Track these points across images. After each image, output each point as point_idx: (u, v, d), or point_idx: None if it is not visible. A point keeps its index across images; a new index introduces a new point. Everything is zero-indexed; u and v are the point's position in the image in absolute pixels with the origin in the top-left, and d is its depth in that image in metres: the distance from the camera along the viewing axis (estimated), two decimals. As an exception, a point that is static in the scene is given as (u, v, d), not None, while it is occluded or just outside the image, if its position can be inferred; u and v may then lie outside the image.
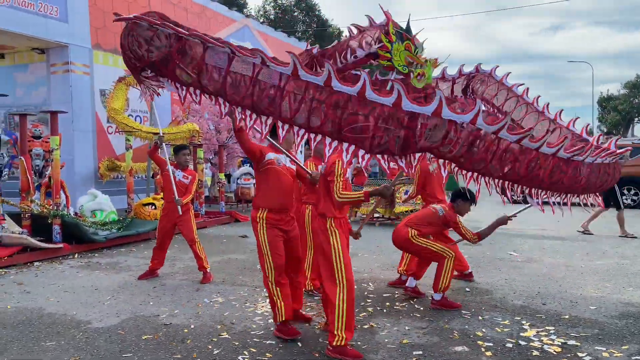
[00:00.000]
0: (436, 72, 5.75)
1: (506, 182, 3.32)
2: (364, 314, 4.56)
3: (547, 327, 4.14)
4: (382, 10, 4.71)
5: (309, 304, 4.89)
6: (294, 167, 4.15)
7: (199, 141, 11.18)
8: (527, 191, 3.41)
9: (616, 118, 64.86)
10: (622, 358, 3.51)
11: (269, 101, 3.11)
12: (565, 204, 3.72)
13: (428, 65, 4.49)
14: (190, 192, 6.08)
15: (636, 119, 65.67)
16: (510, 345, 3.76)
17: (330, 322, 3.61)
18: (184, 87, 3.42)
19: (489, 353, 3.61)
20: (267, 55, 3.09)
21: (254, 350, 3.72)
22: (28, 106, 11.57)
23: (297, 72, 3.01)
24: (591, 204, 4.07)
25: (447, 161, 3.14)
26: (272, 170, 4.02)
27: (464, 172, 3.19)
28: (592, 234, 8.84)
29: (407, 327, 4.18)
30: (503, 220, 4.71)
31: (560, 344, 3.78)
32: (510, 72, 5.33)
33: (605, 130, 70.41)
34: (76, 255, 7.36)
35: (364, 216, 5.92)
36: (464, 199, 4.81)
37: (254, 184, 12.91)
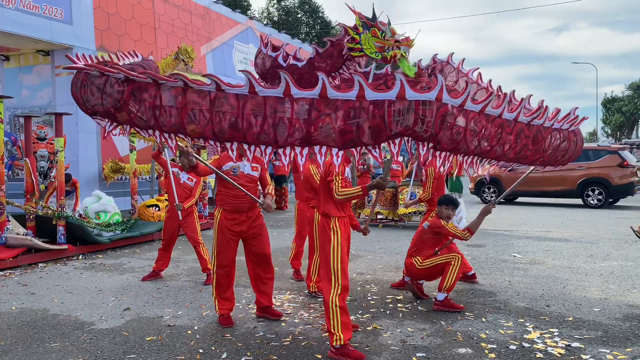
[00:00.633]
0: (428, 51, 5.73)
1: (480, 158, 3.34)
2: (367, 315, 4.56)
3: (550, 329, 4.13)
4: (348, 7, 4.76)
5: (312, 305, 4.89)
6: (254, 173, 4.48)
7: (202, 144, 11.19)
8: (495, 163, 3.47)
9: (620, 119, 64.69)
10: (626, 360, 3.50)
11: (229, 126, 3.03)
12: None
13: (401, 50, 4.53)
14: (194, 196, 6.09)
15: (640, 120, 65.38)
16: (513, 347, 3.76)
17: (327, 322, 3.64)
18: (145, 130, 3.33)
19: (492, 355, 3.61)
20: (221, 80, 3.01)
21: (258, 351, 3.73)
22: (33, 108, 11.65)
23: (254, 89, 2.96)
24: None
25: (429, 146, 3.10)
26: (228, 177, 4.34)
27: (442, 154, 3.17)
28: None
29: (410, 329, 4.18)
30: (487, 210, 4.75)
31: (564, 346, 3.77)
32: (465, 59, 5.28)
33: (609, 132, 70.29)
34: (80, 257, 7.40)
35: (367, 218, 5.94)
36: (446, 204, 4.96)
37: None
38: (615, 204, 14.52)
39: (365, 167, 13.13)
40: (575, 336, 3.98)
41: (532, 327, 4.19)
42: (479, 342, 3.86)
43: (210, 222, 10.53)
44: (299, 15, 41.25)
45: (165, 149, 6.00)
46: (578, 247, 7.87)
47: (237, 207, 4.35)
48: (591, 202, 13.83)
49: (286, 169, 13.35)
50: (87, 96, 3.36)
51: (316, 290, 5.17)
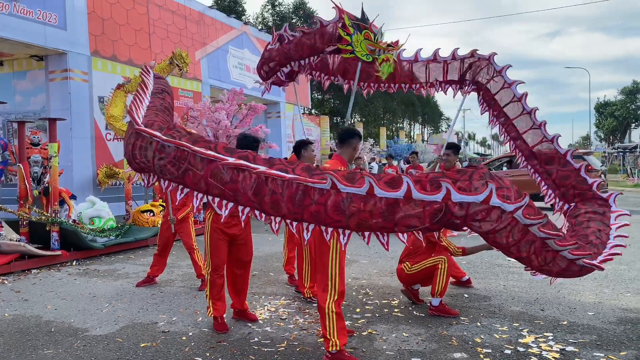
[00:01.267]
0: (426, 54, 5.78)
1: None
2: (363, 320, 4.56)
3: (545, 334, 4.14)
4: (333, 4, 4.78)
5: (307, 311, 4.88)
6: None
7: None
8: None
9: (613, 124, 65.16)
10: (620, 364, 3.51)
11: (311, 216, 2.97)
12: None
13: (390, 52, 4.57)
14: (189, 205, 6.03)
15: (633, 124, 65.93)
16: (508, 351, 3.76)
17: (322, 328, 3.63)
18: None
19: (487, 360, 3.62)
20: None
21: (253, 357, 3.71)
22: (27, 113, 11.60)
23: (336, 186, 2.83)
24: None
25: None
26: None
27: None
28: None
29: (405, 334, 4.18)
30: (489, 247, 4.72)
31: (558, 350, 3.78)
32: (510, 65, 5.38)
33: (602, 136, 70.78)
34: (74, 263, 7.36)
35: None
36: None
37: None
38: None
39: (360, 171, 13.16)
40: (570, 340, 3.99)
41: (527, 332, 4.19)
42: (474, 347, 3.86)
43: (205, 228, 10.51)
44: (294, 21, 41.35)
45: None
46: (572, 251, 7.89)
47: (231, 211, 4.33)
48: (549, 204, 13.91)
49: None
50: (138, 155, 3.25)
51: (311, 295, 5.16)
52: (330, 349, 3.55)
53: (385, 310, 4.89)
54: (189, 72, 11.61)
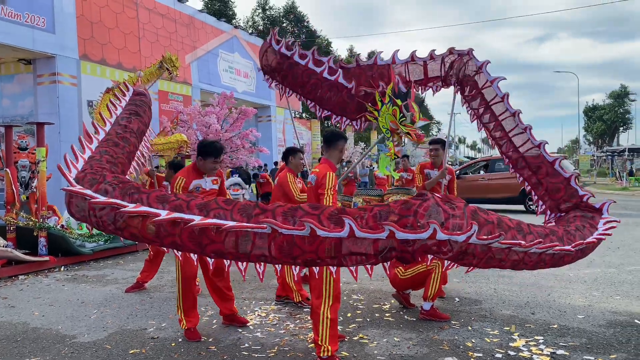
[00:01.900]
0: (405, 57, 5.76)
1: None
2: (354, 325, 4.54)
3: (536, 337, 4.14)
4: (391, 71, 4.80)
5: (297, 316, 4.86)
6: (214, 186, 4.47)
7: (188, 152, 11.13)
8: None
9: (602, 127, 65.76)
10: (610, 367, 3.52)
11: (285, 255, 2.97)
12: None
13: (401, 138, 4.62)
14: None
15: (621, 128, 66.64)
16: (499, 355, 3.76)
17: (315, 333, 3.61)
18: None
19: (478, 364, 3.61)
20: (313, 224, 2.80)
21: (243, 363, 3.68)
22: (14, 117, 11.49)
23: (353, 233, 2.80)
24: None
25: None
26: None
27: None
28: None
29: (396, 339, 4.16)
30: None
31: (549, 353, 3.78)
32: (489, 61, 5.26)
33: (591, 140, 71.42)
34: (62, 268, 7.27)
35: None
36: None
37: (243, 194, 12.87)
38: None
39: (351, 175, 13.17)
40: (560, 343, 4.00)
41: (518, 335, 4.20)
42: (465, 351, 3.85)
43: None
44: (284, 25, 41.39)
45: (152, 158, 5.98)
46: (562, 254, 7.93)
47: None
48: (532, 208, 14.14)
49: (272, 187, 13.35)
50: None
51: (301, 300, 5.13)
52: (321, 355, 3.53)
53: (377, 314, 4.87)
54: (178, 76, 11.55)
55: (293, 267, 3.07)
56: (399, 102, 4.47)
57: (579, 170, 35.56)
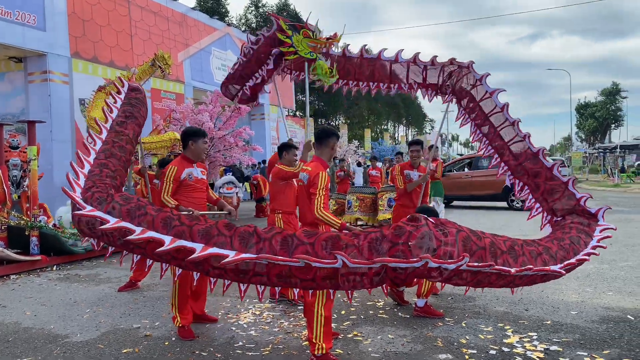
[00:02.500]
0: (407, 56, 5.83)
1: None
2: (348, 322, 4.53)
3: (529, 333, 4.16)
4: (269, 15, 4.97)
5: (291, 313, 4.85)
6: (204, 177, 4.57)
7: (180, 150, 11.09)
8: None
9: (594, 125, 66.19)
10: (603, 363, 3.54)
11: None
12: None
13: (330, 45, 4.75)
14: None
15: (613, 125, 67.08)
16: (493, 352, 3.77)
17: (309, 331, 3.60)
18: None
19: (472, 360, 3.62)
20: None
21: (237, 362, 3.67)
22: (5, 116, 11.40)
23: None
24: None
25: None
26: (186, 185, 4.39)
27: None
28: None
29: (391, 336, 4.16)
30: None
31: (542, 349, 3.80)
32: (489, 74, 5.31)
33: (583, 137, 71.86)
34: (54, 268, 7.22)
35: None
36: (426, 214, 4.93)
37: (236, 192, 12.84)
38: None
39: (345, 173, 13.17)
40: (554, 340, 4.01)
41: (512, 332, 4.21)
42: (459, 348, 3.86)
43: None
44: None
45: (143, 153, 5.98)
46: (555, 251, 7.96)
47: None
48: (515, 205, 14.47)
49: (263, 192, 13.36)
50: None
51: (296, 297, 5.12)
52: (315, 352, 3.52)
53: (371, 312, 4.87)
54: (171, 74, 11.51)
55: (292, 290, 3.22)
56: (301, 25, 4.66)
57: (572, 167, 35.78)
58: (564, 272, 3.52)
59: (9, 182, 7.73)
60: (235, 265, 2.98)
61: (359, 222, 10.60)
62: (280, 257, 2.88)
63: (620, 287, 5.65)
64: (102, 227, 3.15)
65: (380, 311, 4.88)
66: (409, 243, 2.91)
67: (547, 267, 3.43)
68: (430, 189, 10.72)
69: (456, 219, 4.15)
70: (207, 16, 18.70)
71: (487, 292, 5.49)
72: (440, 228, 3.03)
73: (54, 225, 8.07)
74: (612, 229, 4.24)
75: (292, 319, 4.69)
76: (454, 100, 5.68)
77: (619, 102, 65.61)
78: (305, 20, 4.96)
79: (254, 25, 40.62)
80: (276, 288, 5.22)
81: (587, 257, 3.79)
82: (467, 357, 3.68)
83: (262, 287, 3.16)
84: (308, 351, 3.71)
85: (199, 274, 3.55)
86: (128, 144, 4.23)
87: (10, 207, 7.60)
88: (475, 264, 2.98)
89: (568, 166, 35.61)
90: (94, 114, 10.41)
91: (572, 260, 3.66)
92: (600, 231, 4.14)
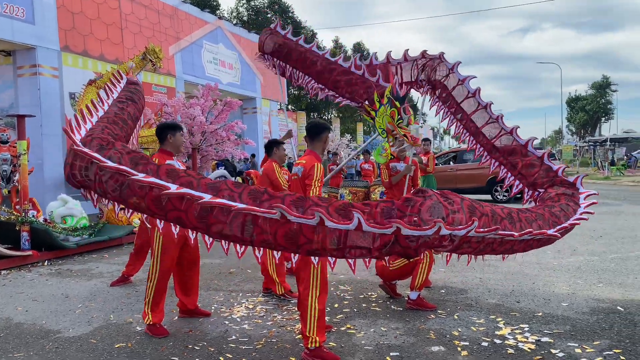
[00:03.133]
0: (399, 49, 5.91)
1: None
2: (341, 315, 4.55)
3: (521, 325, 4.19)
4: (391, 74, 5.00)
5: (284, 307, 4.86)
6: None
7: (173, 144, 11.03)
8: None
9: (584, 118, 66.58)
10: (593, 354, 3.57)
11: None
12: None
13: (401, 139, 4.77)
14: None
15: (603, 118, 67.50)
16: (485, 344, 3.80)
17: (302, 324, 3.60)
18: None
19: (464, 352, 3.64)
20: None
21: (230, 355, 3.67)
22: (-6, 110, 11.27)
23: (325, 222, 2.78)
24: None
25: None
26: None
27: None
28: None
29: (383, 328, 4.18)
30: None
31: (534, 341, 3.83)
32: (460, 62, 5.42)
33: (573, 130, 72.28)
34: (46, 263, 7.18)
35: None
36: None
37: (228, 187, 12.77)
38: (520, 198, 15.16)
39: (337, 166, 13.17)
40: (545, 331, 4.05)
41: (503, 323, 4.24)
42: (452, 340, 3.88)
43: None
44: (269, 15, 41.08)
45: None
46: (546, 243, 8.03)
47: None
48: (499, 197, 14.77)
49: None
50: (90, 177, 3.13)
51: (284, 292, 5.12)
52: (309, 346, 3.53)
53: (364, 305, 4.89)
54: (162, 68, 11.42)
55: (274, 254, 3.04)
56: (397, 104, 4.56)
57: (563, 160, 36.00)
58: (559, 235, 3.59)
59: (-2, 177, 7.66)
60: (241, 224, 2.79)
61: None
62: (294, 213, 2.72)
63: (610, 278, 5.70)
64: (101, 164, 2.93)
65: (373, 304, 4.90)
66: (420, 212, 2.92)
67: (544, 231, 3.48)
68: (422, 183, 10.77)
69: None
70: (199, 9, 18.55)
71: (479, 285, 5.53)
72: (445, 198, 3.08)
73: (45, 220, 8.02)
74: (594, 194, 4.31)
75: (285, 312, 4.70)
76: (429, 91, 5.78)
77: (609, 96, 66.05)
78: (405, 100, 4.86)
79: (245, 18, 40.38)
80: (272, 286, 5.25)
81: (578, 222, 3.86)
82: (459, 349, 3.71)
83: (243, 248, 2.98)
84: (301, 344, 3.72)
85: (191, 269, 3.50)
86: (129, 120, 4.14)
87: (0, 202, 7.54)
88: (482, 229, 3.00)
89: (559, 159, 35.85)
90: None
91: (566, 225, 3.73)
92: (585, 198, 4.22)
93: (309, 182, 3.70)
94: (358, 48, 50.01)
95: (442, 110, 5.63)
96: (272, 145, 5.40)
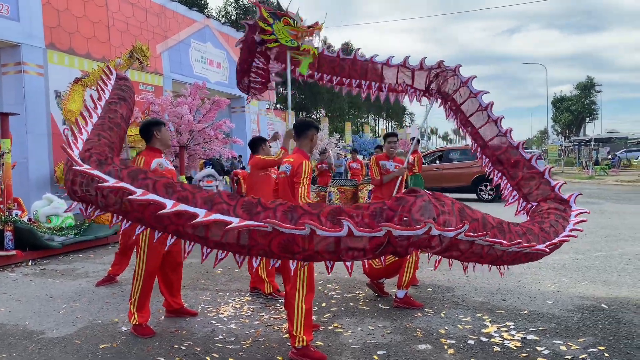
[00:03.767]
0: (388, 52, 5.95)
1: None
2: (328, 314, 4.55)
3: (507, 323, 4.22)
4: (252, 2, 5.00)
5: (272, 306, 4.84)
6: (172, 167, 4.44)
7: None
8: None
9: (569, 118, 67.30)
10: (578, 351, 3.61)
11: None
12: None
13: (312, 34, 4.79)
14: None
15: (587, 118, 68.26)
16: (472, 342, 3.82)
17: (289, 324, 3.60)
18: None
19: (451, 350, 3.66)
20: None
21: (217, 355, 3.65)
22: (-23, 108, 11.11)
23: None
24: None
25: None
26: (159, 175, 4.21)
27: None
28: None
29: (371, 327, 4.19)
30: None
31: (520, 338, 3.86)
32: (475, 76, 5.39)
33: (559, 130, 73.02)
34: (30, 263, 7.09)
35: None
36: None
37: (217, 186, 12.74)
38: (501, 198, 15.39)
39: (325, 165, 13.17)
40: (531, 329, 4.08)
41: (490, 321, 4.27)
42: (439, 338, 3.90)
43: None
44: (257, 15, 40.97)
45: (128, 147, 5.88)
46: (532, 242, 8.09)
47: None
48: (484, 196, 14.92)
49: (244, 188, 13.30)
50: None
51: (272, 291, 5.11)
52: (296, 345, 3.52)
53: (351, 303, 4.89)
54: (149, 66, 11.34)
55: (292, 263, 3.10)
56: (282, 12, 4.66)
57: (548, 160, 36.35)
58: (548, 250, 3.61)
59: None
60: (237, 237, 2.88)
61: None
62: (285, 225, 2.80)
63: (594, 276, 5.77)
64: (100, 185, 2.99)
65: (361, 302, 4.90)
66: (412, 212, 2.94)
67: (533, 244, 3.50)
68: (409, 182, 10.81)
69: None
70: (186, 8, 18.45)
71: (466, 283, 5.56)
72: (436, 199, 3.09)
73: (29, 219, 7.92)
74: (585, 212, 4.34)
75: (272, 311, 4.69)
76: (439, 100, 5.78)
77: (593, 96, 66.83)
78: (286, 9, 4.94)
79: (233, 17, 40.21)
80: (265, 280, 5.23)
81: (567, 239, 3.89)
82: (446, 347, 3.73)
83: (241, 257, 3.04)
84: (288, 344, 3.71)
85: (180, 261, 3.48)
86: (122, 122, 4.14)
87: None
88: (471, 234, 3.02)
89: (545, 159, 36.18)
90: (70, 107, 10.21)
91: (555, 241, 3.76)
92: (575, 215, 4.25)
93: (297, 180, 3.69)
94: (346, 48, 50.11)
95: (452, 118, 5.62)
96: (259, 142, 5.37)
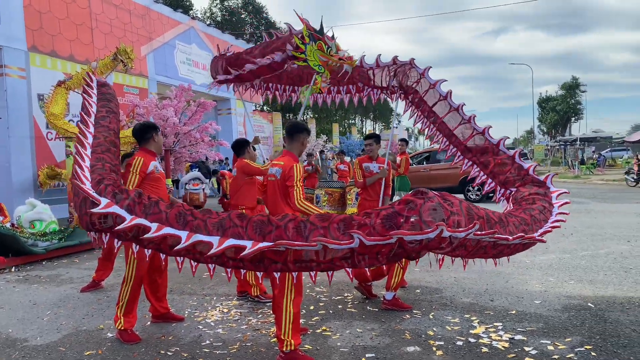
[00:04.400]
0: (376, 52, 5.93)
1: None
2: (317, 317, 4.52)
3: (495, 324, 4.23)
4: (297, 15, 4.89)
5: (259, 310, 4.81)
6: (163, 171, 4.44)
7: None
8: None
9: (555, 118, 67.95)
10: (565, 350, 3.62)
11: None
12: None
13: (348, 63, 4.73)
14: None
15: (573, 118, 69.02)
16: (460, 343, 3.82)
17: (277, 328, 3.56)
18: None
19: (439, 352, 3.65)
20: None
21: (204, 361, 3.61)
22: (-42, 112, 10.92)
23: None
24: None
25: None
26: (153, 178, 4.23)
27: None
28: None
29: (359, 330, 4.17)
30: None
31: (508, 339, 3.86)
32: (431, 67, 5.45)
33: (545, 130, 73.72)
34: (13, 269, 6.97)
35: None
36: None
37: (203, 188, 12.65)
38: (492, 199, 15.46)
39: (312, 167, 13.14)
40: (519, 329, 4.09)
41: (478, 322, 4.27)
42: (427, 340, 3.89)
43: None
44: (243, 16, 40.88)
45: None
46: (519, 242, 8.13)
47: None
48: (471, 196, 15.03)
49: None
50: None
51: (258, 294, 5.07)
52: (284, 349, 3.49)
53: (339, 306, 4.87)
54: (134, 68, 11.25)
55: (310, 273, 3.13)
56: (320, 36, 4.62)
57: (534, 160, 36.66)
58: (544, 239, 3.64)
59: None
60: (252, 258, 2.94)
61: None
62: (297, 242, 2.84)
63: (580, 275, 5.81)
64: (118, 227, 3.05)
65: (349, 305, 4.88)
66: (421, 214, 2.94)
67: (532, 235, 3.53)
68: (396, 183, 10.81)
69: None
70: (171, 9, 18.33)
71: (454, 284, 5.56)
72: (445, 199, 3.09)
73: (12, 224, 7.79)
74: (564, 192, 4.37)
75: (260, 315, 4.65)
76: (402, 97, 5.80)
77: (578, 96, 67.54)
78: (323, 31, 4.87)
79: (219, 19, 40.03)
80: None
81: (557, 224, 3.92)
82: (434, 348, 3.72)
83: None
84: (276, 348, 3.67)
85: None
86: (116, 138, 4.16)
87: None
88: (479, 232, 3.03)
89: (531, 158, 36.48)
90: (53, 110, 10.08)
91: (547, 228, 3.79)
92: (557, 197, 4.29)
93: (290, 184, 3.67)
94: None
95: (416, 114, 5.66)
96: (244, 145, 5.30)
